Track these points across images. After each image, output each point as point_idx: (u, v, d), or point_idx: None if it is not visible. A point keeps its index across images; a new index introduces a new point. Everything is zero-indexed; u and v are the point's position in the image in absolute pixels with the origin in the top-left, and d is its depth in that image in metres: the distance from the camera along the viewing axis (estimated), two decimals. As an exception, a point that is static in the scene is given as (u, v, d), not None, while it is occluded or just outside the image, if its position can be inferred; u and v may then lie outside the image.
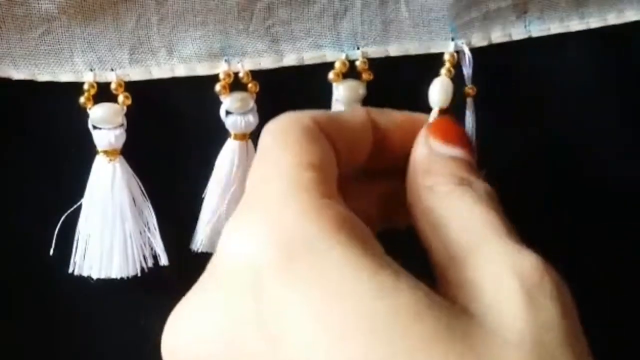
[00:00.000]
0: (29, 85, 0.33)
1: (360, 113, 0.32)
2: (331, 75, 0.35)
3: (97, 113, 0.33)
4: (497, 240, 0.27)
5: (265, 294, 0.25)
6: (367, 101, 0.36)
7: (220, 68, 0.34)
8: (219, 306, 0.26)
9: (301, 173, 0.27)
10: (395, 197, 0.33)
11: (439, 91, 0.35)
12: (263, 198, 0.27)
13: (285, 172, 0.27)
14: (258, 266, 0.25)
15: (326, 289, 0.24)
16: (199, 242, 0.35)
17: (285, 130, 0.29)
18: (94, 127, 0.33)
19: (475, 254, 0.27)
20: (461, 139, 0.32)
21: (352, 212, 0.27)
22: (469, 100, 0.36)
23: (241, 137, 0.35)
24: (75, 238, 0.34)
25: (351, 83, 0.35)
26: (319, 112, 0.31)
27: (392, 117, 0.33)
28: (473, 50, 0.36)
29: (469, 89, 0.36)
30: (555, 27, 0.38)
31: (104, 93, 0.33)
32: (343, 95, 0.35)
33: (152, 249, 0.34)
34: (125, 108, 0.33)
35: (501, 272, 0.26)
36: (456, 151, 0.31)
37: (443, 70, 0.36)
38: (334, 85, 0.35)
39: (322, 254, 0.25)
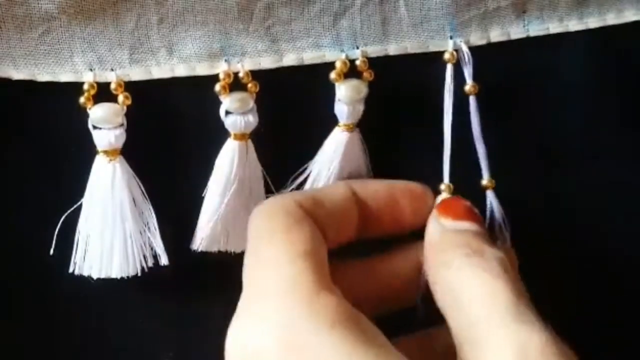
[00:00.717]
0: (29, 85, 0.33)
1: (341, 189, 0.33)
2: (333, 75, 0.35)
3: (97, 113, 0.33)
4: (504, 318, 0.28)
5: None
6: (368, 101, 0.36)
7: (220, 68, 0.34)
8: None
9: (295, 264, 0.29)
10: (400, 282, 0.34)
11: None
12: (262, 294, 0.29)
13: (281, 264, 0.29)
14: None
15: None
16: (199, 241, 0.35)
17: (273, 218, 0.31)
18: (94, 127, 0.33)
19: (482, 334, 0.28)
20: (470, 214, 0.33)
21: (345, 300, 0.28)
22: (472, 99, 0.36)
23: (241, 137, 0.35)
24: (75, 238, 0.34)
25: (354, 83, 0.35)
26: (302, 194, 0.32)
27: (373, 188, 0.34)
28: (472, 49, 0.36)
29: (471, 87, 0.36)
30: (554, 27, 0.38)
31: (104, 93, 0.33)
32: (345, 95, 0.35)
33: (152, 249, 0.34)
34: (125, 108, 0.33)
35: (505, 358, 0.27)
36: (467, 225, 0.33)
37: (443, 187, 0.36)
38: (336, 85, 0.35)
39: (316, 348, 0.27)
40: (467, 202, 0.35)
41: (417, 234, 0.35)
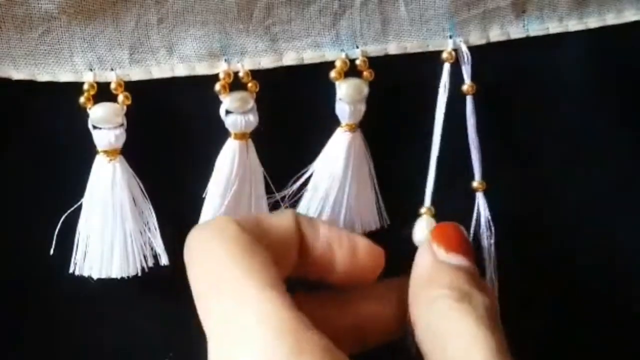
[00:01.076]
0: (29, 85, 0.33)
1: (288, 220, 0.32)
2: (333, 74, 0.35)
3: (97, 113, 0.33)
4: None
5: None
6: (368, 100, 0.36)
7: (220, 68, 0.34)
8: None
9: (272, 299, 0.27)
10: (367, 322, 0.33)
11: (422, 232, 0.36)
12: (239, 334, 0.27)
13: (256, 297, 0.27)
14: None
15: None
16: (199, 242, 0.35)
17: (228, 242, 0.29)
18: (94, 127, 0.33)
19: None
20: (463, 247, 0.33)
21: (328, 339, 0.27)
22: (469, 99, 0.36)
23: (241, 136, 0.35)
24: (75, 238, 0.34)
25: (354, 82, 0.35)
26: (245, 218, 0.31)
27: (317, 229, 0.33)
28: (471, 49, 0.36)
29: (469, 87, 0.36)
30: (554, 27, 0.38)
31: (104, 93, 0.33)
32: (346, 94, 0.35)
33: (152, 248, 0.34)
34: (125, 108, 0.33)
35: None
36: (458, 260, 0.32)
37: (423, 210, 0.36)
38: (337, 84, 0.35)
39: None
40: (463, 232, 0.34)
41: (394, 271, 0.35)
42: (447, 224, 0.35)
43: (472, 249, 0.34)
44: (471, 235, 0.37)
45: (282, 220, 0.32)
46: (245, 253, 0.28)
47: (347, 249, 0.32)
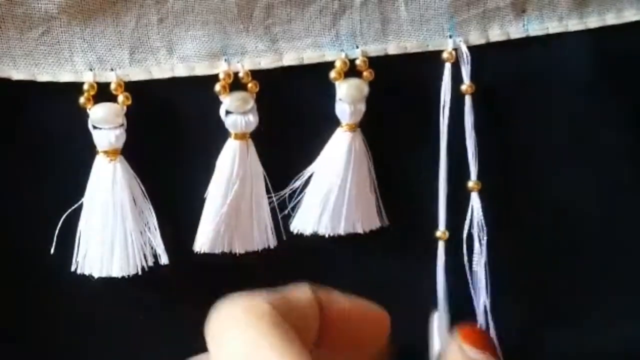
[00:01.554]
0: (29, 85, 0.33)
1: (307, 293, 0.32)
2: (333, 74, 0.35)
3: (97, 113, 0.33)
4: None
5: None
6: (367, 100, 0.36)
7: (220, 68, 0.34)
8: None
9: None
10: None
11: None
12: None
13: None
14: None
15: None
16: (200, 242, 0.35)
17: (261, 319, 0.28)
18: (94, 127, 0.33)
19: None
20: (488, 346, 0.34)
21: None
22: (467, 98, 0.36)
23: (241, 136, 0.35)
24: (76, 238, 0.34)
25: (355, 82, 0.35)
26: (272, 295, 0.30)
27: (336, 300, 0.33)
28: (471, 49, 0.36)
29: (468, 86, 0.36)
30: (553, 27, 0.38)
31: (104, 93, 0.33)
32: (346, 94, 0.35)
33: (152, 248, 0.34)
34: (125, 108, 0.33)
35: None
36: (484, 357, 0.34)
37: (438, 234, 0.37)
38: (337, 84, 0.35)
39: None
40: (485, 333, 0.36)
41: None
42: (472, 328, 0.36)
43: (495, 346, 0.35)
44: (464, 234, 0.37)
45: (301, 292, 0.32)
46: (280, 336, 0.28)
47: (361, 311, 0.34)
